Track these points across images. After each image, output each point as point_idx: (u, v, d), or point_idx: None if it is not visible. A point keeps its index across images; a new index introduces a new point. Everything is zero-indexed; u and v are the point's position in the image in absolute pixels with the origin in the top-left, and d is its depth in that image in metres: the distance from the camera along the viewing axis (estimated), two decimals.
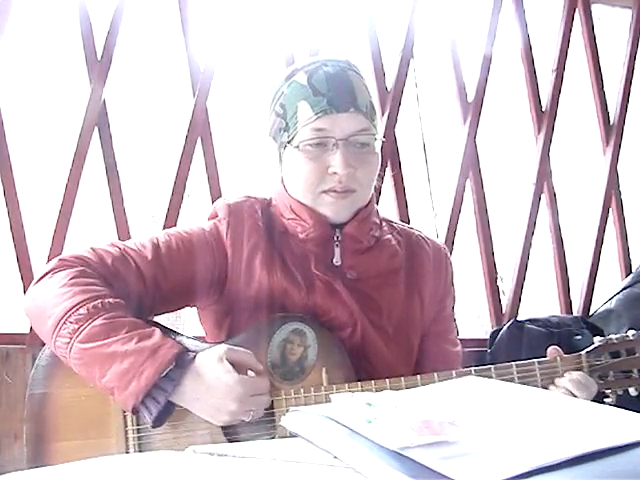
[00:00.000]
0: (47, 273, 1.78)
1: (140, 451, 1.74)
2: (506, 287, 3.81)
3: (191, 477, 1.07)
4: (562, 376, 1.80)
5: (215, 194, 3.19)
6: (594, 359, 1.83)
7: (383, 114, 3.46)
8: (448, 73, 3.67)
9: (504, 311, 3.69)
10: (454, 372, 1.78)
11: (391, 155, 3.47)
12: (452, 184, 3.65)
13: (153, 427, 1.70)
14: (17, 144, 2.97)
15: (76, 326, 1.68)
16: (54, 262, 1.80)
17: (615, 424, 1.11)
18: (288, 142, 1.84)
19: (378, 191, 2.00)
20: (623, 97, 3.98)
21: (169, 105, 3.66)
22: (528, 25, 3.80)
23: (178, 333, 1.81)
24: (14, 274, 2.92)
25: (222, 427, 1.74)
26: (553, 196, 3.82)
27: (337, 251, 1.88)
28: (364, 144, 1.83)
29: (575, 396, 1.77)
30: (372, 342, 1.87)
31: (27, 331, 2.83)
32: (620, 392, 1.83)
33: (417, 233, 2.01)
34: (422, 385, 1.69)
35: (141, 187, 3.74)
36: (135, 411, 1.70)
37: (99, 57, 3.06)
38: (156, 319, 1.91)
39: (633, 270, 3.90)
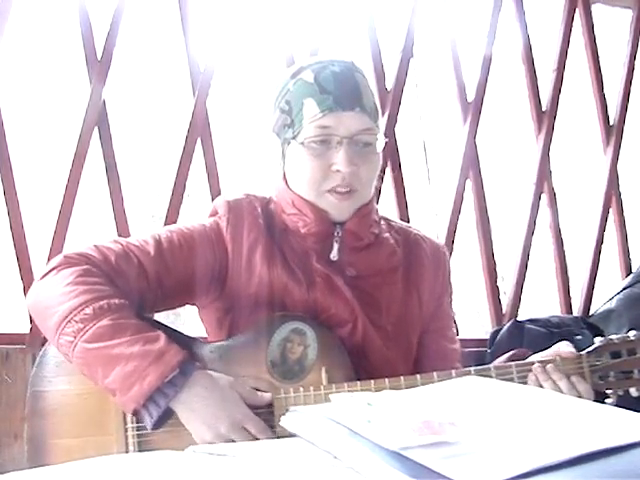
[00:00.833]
0: (52, 270, 1.78)
1: (140, 449, 1.75)
2: (506, 287, 3.81)
3: (191, 477, 1.07)
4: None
5: (215, 194, 3.19)
6: (594, 359, 1.82)
7: (383, 114, 3.45)
8: (448, 73, 3.67)
9: (504, 311, 3.69)
10: (454, 372, 1.78)
11: (391, 155, 3.47)
12: (452, 184, 3.65)
13: (152, 430, 1.70)
14: (17, 144, 2.97)
15: (81, 325, 1.69)
16: (58, 259, 1.80)
17: (615, 424, 1.11)
18: (292, 138, 1.84)
19: (378, 191, 2.00)
20: (623, 97, 3.98)
21: (169, 105, 3.66)
22: (528, 25, 3.80)
23: (181, 333, 1.82)
24: (14, 274, 2.92)
25: None
26: (553, 196, 3.82)
27: (335, 246, 1.89)
28: (367, 143, 1.84)
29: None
30: (371, 340, 1.87)
31: (27, 331, 2.84)
32: (621, 392, 1.83)
33: (415, 232, 2.02)
34: (422, 385, 1.68)
35: (141, 187, 3.74)
36: (135, 413, 1.71)
37: (99, 57, 3.05)
38: (156, 318, 1.91)
39: (633, 270, 3.90)
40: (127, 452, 1.75)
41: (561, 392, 1.75)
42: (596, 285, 3.88)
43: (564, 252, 3.83)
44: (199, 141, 3.22)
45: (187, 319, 3.35)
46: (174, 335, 1.81)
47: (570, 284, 3.85)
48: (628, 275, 3.89)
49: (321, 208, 1.86)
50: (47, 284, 1.77)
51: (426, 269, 1.97)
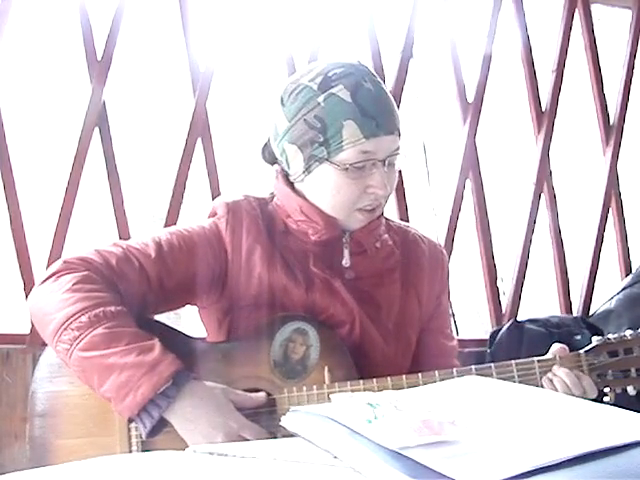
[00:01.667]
0: (51, 275, 1.77)
1: (143, 449, 1.75)
2: (506, 287, 3.81)
3: (191, 477, 1.07)
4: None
5: (215, 194, 3.19)
6: (593, 358, 1.84)
7: None
8: (448, 73, 3.67)
9: (504, 311, 3.69)
10: (455, 371, 1.79)
11: None
12: (452, 184, 3.65)
13: (148, 438, 1.70)
14: (17, 144, 2.97)
15: (77, 333, 1.69)
16: (58, 264, 1.79)
17: (615, 424, 1.11)
18: (326, 159, 1.81)
19: None
20: (623, 97, 3.98)
21: (169, 105, 3.67)
22: (528, 25, 3.80)
23: (182, 333, 1.82)
24: (14, 275, 2.92)
25: None
26: (553, 196, 3.83)
27: (346, 252, 1.90)
28: (393, 162, 1.85)
29: (569, 388, 1.78)
30: (371, 339, 1.88)
31: (27, 331, 2.84)
32: (619, 391, 1.84)
33: (413, 232, 2.02)
34: (423, 383, 1.69)
35: (141, 187, 3.75)
36: (131, 421, 1.72)
37: (99, 57, 3.06)
38: (157, 319, 1.91)
39: (633, 270, 3.90)
40: (130, 452, 1.76)
41: (567, 387, 1.77)
42: (596, 285, 3.88)
43: (564, 252, 3.83)
44: (199, 141, 3.22)
45: (187, 319, 3.35)
46: (174, 335, 1.81)
47: (570, 284, 3.85)
48: (628, 275, 3.90)
49: (331, 216, 1.86)
50: (46, 290, 1.77)
51: (425, 269, 1.98)
